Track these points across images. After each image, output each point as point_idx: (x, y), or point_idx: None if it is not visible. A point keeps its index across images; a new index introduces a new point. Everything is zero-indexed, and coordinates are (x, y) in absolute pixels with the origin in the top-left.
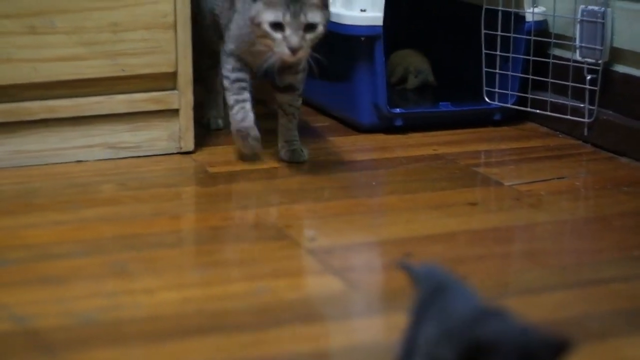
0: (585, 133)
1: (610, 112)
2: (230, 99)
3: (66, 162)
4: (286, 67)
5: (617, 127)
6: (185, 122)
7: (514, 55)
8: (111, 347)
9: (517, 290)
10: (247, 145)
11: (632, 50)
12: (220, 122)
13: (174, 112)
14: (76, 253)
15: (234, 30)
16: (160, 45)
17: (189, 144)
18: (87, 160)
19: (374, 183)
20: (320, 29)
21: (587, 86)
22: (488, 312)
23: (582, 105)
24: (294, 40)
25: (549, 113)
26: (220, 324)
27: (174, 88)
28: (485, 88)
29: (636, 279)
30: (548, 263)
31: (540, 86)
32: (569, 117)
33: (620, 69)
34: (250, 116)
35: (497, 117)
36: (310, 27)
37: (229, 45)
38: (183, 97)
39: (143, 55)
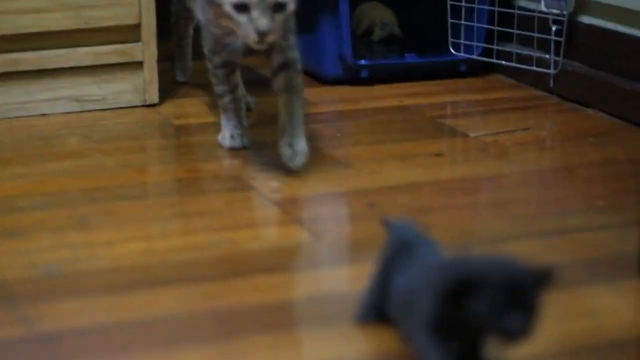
0: (551, 84)
1: (576, 63)
2: (218, 87)
3: (30, 116)
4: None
5: (583, 78)
6: (150, 74)
7: (479, 7)
8: (73, 299)
9: (482, 240)
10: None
11: (597, 1)
12: (186, 74)
13: (138, 65)
14: (39, 206)
15: (205, 26)
16: None
17: (154, 97)
18: (51, 114)
19: (338, 134)
20: (291, 6)
21: (553, 37)
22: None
23: (547, 56)
24: (262, 23)
25: (514, 64)
26: (183, 275)
27: (137, 40)
28: (450, 39)
29: (600, 228)
30: (513, 213)
31: (505, 37)
32: (534, 68)
33: (586, 19)
34: (242, 124)
35: (462, 68)
36: (279, 6)
37: (205, 46)
38: (147, 50)
39: (106, 7)
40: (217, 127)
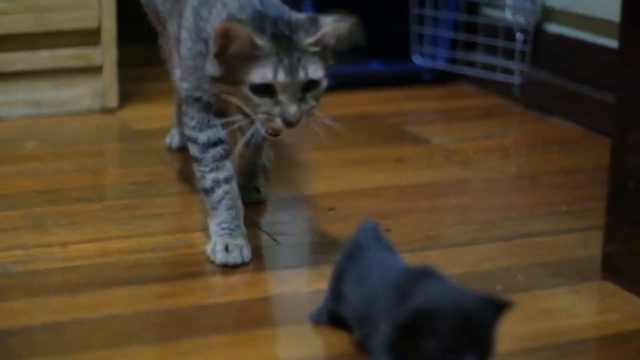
0: (516, 93)
1: (541, 72)
2: (206, 178)
3: None
4: None
5: (548, 87)
6: (109, 79)
7: (443, 15)
8: (26, 298)
9: (443, 244)
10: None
11: (563, 10)
12: (181, 140)
13: (98, 69)
14: None
15: (186, 58)
16: (84, 0)
17: (113, 101)
18: (8, 117)
19: (300, 140)
20: (324, 84)
21: (518, 46)
22: (418, 274)
23: (512, 65)
24: (292, 110)
25: (479, 73)
26: (138, 276)
27: (97, 44)
28: (414, 48)
29: (562, 233)
30: (475, 218)
31: (470, 46)
32: (499, 77)
33: (552, 28)
34: (242, 230)
35: (426, 76)
36: (311, 84)
37: (184, 84)
38: (107, 54)
39: (66, 10)
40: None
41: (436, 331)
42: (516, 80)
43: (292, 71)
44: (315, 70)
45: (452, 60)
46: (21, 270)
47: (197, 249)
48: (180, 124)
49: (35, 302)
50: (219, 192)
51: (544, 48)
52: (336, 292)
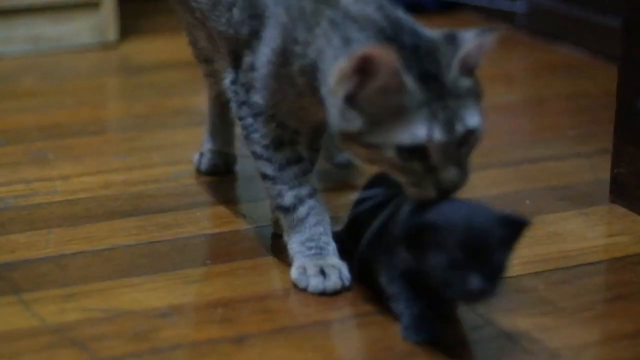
0: (520, 20)
1: None
2: (285, 195)
3: None
4: None
5: (552, 13)
6: (109, 12)
7: None
8: (29, 231)
9: None
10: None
11: None
12: (216, 162)
13: (97, 4)
14: None
15: (266, 77)
16: None
17: (113, 36)
18: (7, 53)
19: None
20: (481, 132)
21: None
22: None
23: None
24: (454, 175)
25: (482, 2)
26: (140, 207)
27: None
28: None
29: (569, 157)
30: (482, 143)
31: None
32: (503, 4)
33: None
34: (332, 246)
35: (430, 6)
36: (469, 135)
37: (256, 97)
38: None
39: None
40: (178, 65)
41: (440, 246)
42: (520, 7)
43: (450, 125)
44: (472, 117)
45: None
46: (23, 204)
47: (199, 179)
48: (215, 140)
49: (38, 235)
50: (302, 209)
51: None
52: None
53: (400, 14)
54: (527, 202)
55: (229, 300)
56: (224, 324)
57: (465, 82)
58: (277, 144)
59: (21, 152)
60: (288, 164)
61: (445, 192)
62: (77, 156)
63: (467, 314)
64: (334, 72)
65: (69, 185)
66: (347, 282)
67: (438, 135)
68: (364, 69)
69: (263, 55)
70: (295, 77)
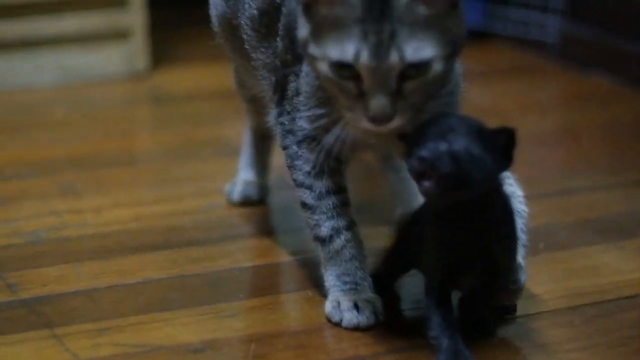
0: (553, 48)
1: (578, 26)
2: (322, 226)
3: (16, 86)
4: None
5: (586, 42)
6: (140, 41)
7: None
8: (59, 265)
9: None
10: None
11: None
12: (250, 192)
13: (127, 33)
14: (26, 174)
15: (306, 93)
16: None
17: (143, 66)
18: (38, 84)
19: None
20: (437, 67)
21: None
22: None
23: (548, 20)
24: (378, 104)
25: (514, 31)
26: (171, 240)
27: (125, 7)
28: None
29: (603, 188)
30: (515, 174)
31: (504, 2)
32: (535, 33)
33: None
34: (368, 281)
35: None
36: (414, 69)
37: (301, 122)
38: (137, 17)
39: None
40: (209, 95)
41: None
42: (552, 36)
43: (380, 51)
44: (417, 49)
45: (486, 17)
46: (54, 236)
47: (231, 211)
48: (250, 170)
49: (69, 269)
50: (338, 241)
51: (582, 2)
52: None
53: None
54: (561, 234)
55: (263, 335)
56: (258, 359)
57: (421, 9)
58: (319, 172)
59: (51, 183)
60: (328, 193)
61: (374, 121)
62: (108, 188)
63: (503, 350)
64: None
65: (100, 217)
66: (381, 317)
67: (365, 57)
68: None
69: (305, 75)
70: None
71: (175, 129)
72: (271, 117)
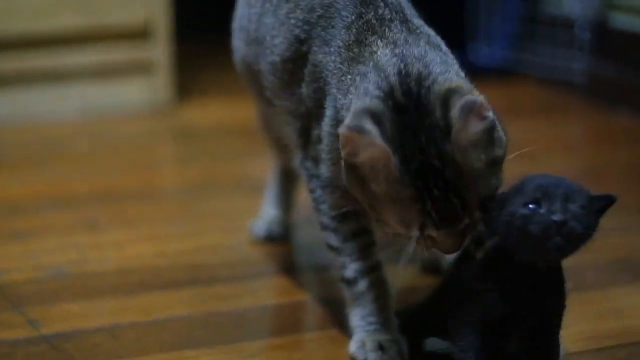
0: (579, 88)
1: (604, 64)
2: (348, 267)
3: (39, 120)
4: None
5: (611, 81)
6: (164, 76)
7: (501, 7)
8: (81, 300)
9: None
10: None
11: (627, 1)
12: (274, 228)
13: (151, 67)
14: (47, 208)
15: (326, 148)
16: None
17: (168, 100)
18: (60, 117)
19: None
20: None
21: (580, 39)
22: None
23: (574, 58)
24: (449, 245)
25: (540, 70)
26: (195, 277)
27: (151, 40)
28: (471, 40)
29: (631, 229)
30: None
31: (530, 39)
32: (561, 71)
33: (615, 19)
34: (393, 321)
35: (485, 70)
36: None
37: (321, 169)
38: (161, 50)
39: (116, 6)
40: (233, 130)
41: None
42: (580, 76)
43: (448, 220)
44: (479, 201)
45: (514, 55)
46: (76, 271)
47: (256, 248)
48: (275, 207)
49: (91, 304)
50: (363, 283)
51: (607, 40)
52: None
53: (429, 64)
54: (590, 274)
55: None
56: None
57: (480, 160)
58: (343, 216)
59: (73, 217)
60: (353, 236)
61: (449, 253)
62: (130, 223)
63: None
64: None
65: (122, 252)
66: (406, 358)
67: (430, 230)
68: (351, 148)
69: (325, 126)
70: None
71: (198, 164)
72: (296, 161)
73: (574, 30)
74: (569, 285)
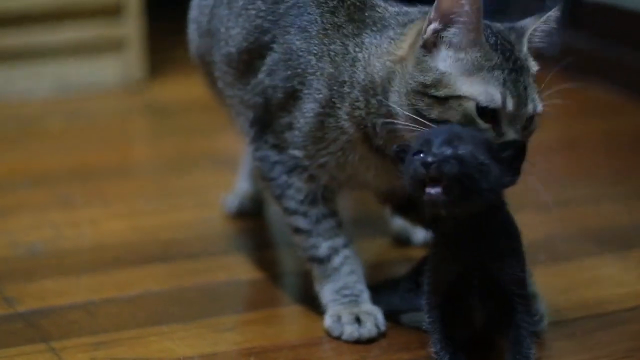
0: (552, 58)
1: (579, 37)
2: (320, 247)
3: (11, 98)
4: None
5: (585, 53)
6: (136, 53)
7: None
8: (56, 277)
9: None
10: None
11: None
12: (246, 203)
13: (123, 44)
14: (22, 185)
15: (306, 125)
16: None
17: (140, 76)
18: (34, 95)
19: None
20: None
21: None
22: None
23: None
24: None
25: None
26: (170, 253)
27: (121, 18)
28: None
29: (604, 199)
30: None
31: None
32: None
33: None
34: (367, 294)
35: None
36: (531, 120)
37: (295, 151)
38: (133, 27)
39: None
40: (205, 107)
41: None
42: (552, 46)
43: (521, 100)
44: (538, 103)
45: None
46: (51, 248)
47: (230, 224)
48: (249, 181)
49: (66, 281)
50: (337, 259)
51: (580, 12)
52: None
53: None
54: (562, 246)
55: (262, 349)
56: None
57: (533, 65)
58: (312, 200)
59: (48, 195)
60: (324, 216)
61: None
62: (105, 199)
63: None
64: (408, 32)
65: (97, 229)
66: (382, 328)
67: (510, 105)
68: (448, 12)
69: (308, 111)
70: (343, 123)
71: (171, 140)
72: (251, 151)
73: (546, 3)
74: (541, 256)
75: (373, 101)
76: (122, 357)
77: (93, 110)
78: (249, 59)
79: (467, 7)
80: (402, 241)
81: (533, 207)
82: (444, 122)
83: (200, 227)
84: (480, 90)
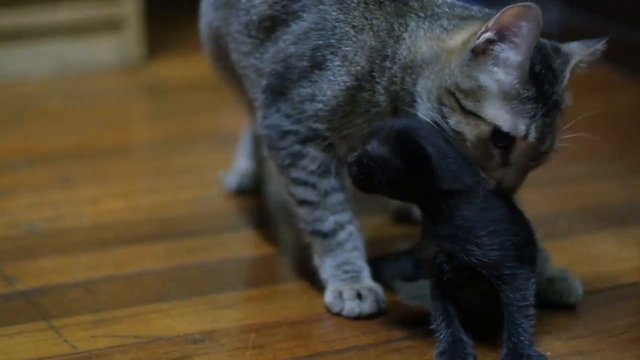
0: (552, 36)
1: (579, 15)
2: (326, 220)
3: (11, 78)
4: None
5: (585, 31)
6: (134, 31)
7: None
8: (56, 256)
9: None
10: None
11: None
12: (245, 181)
13: (122, 23)
14: (21, 165)
15: (333, 98)
16: None
17: (139, 55)
18: (32, 74)
19: None
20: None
21: None
22: None
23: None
24: (517, 179)
25: None
26: (169, 231)
27: None
28: None
29: (603, 177)
30: None
31: None
32: None
33: None
34: (368, 271)
35: None
36: (546, 154)
37: (317, 124)
38: (131, 6)
39: None
40: (204, 85)
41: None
42: (553, 26)
43: (543, 135)
44: (558, 140)
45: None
46: (50, 228)
47: (229, 202)
48: (247, 159)
49: (66, 260)
50: (342, 234)
51: None
52: None
53: None
54: (561, 222)
55: (262, 325)
56: (257, 349)
57: (568, 99)
58: (324, 171)
59: (47, 174)
60: (333, 190)
61: (499, 188)
62: (104, 179)
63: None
64: (471, 30)
65: (97, 208)
66: (383, 305)
67: (532, 137)
68: (507, 27)
69: (338, 83)
70: (379, 97)
71: (170, 120)
72: (260, 119)
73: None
74: (540, 233)
75: (408, 79)
76: (123, 334)
77: (92, 90)
78: (272, 26)
79: (525, 30)
80: (402, 218)
81: (533, 184)
82: (456, 133)
83: (200, 205)
84: (506, 117)
